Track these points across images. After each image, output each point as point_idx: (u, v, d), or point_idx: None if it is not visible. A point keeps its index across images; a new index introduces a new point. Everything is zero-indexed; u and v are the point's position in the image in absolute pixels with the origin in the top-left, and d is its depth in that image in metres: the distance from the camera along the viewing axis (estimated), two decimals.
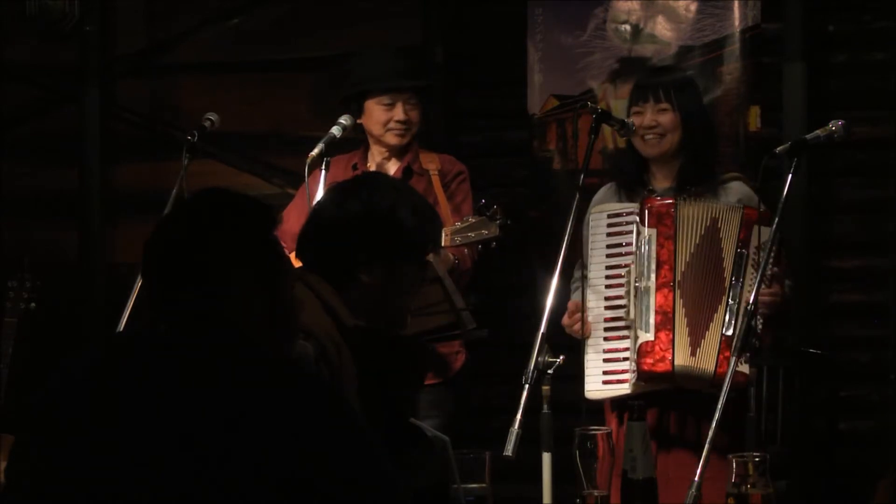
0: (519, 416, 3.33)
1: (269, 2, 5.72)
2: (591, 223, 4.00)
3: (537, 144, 5.42)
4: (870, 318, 5.11)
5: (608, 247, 3.97)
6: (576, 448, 3.02)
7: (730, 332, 3.76)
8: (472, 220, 4.08)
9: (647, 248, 3.86)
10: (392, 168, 4.49)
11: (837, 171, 5.15)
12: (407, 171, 4.47)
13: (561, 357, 3.42)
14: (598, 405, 4.02)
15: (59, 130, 5.85)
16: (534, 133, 5.42)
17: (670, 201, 3.88)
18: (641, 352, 3.80)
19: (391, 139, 4.46)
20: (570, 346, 3.76)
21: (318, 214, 2.90)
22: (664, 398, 3.86)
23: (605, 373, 3.91)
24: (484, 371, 5.10)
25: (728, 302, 3.80)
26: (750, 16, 5.14)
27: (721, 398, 3.30)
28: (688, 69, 4.97)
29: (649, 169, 4.06)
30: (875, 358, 5.09)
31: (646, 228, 3.87)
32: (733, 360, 3.38)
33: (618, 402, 3.94)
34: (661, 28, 5.27)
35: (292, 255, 3.65)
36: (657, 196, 3.97)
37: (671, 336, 3.79)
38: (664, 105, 3.98)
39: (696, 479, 3.21)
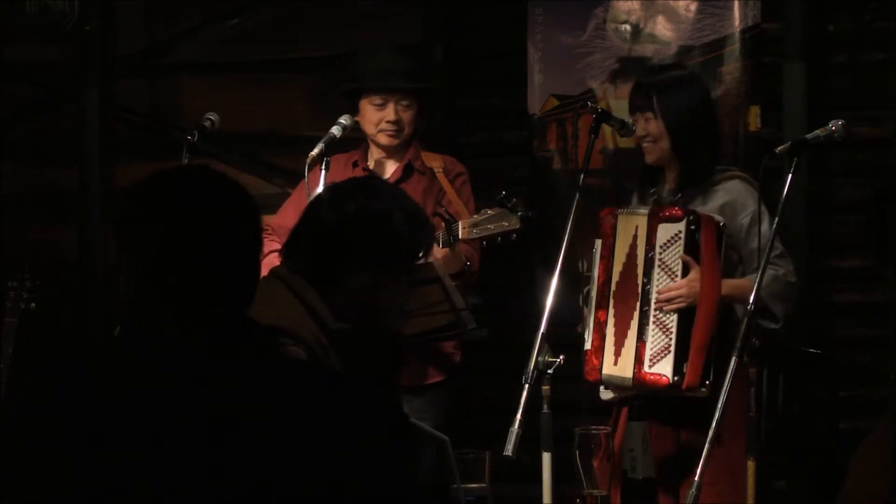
0: (519, 416, 3.34)
1: (269, 2, 5.71)
2: None
3: (537, 144, 5.41)
4: (870, 318, 5.11)
5: None
6: (576, 448, 3.02)
7: (645, 339, 3.78)
8: (490, 212, 4.06)
9: (595, 258, 3.94)
10: (392, 166, 4.48)
11: (837, 170, 5.14)
12: (407, 168, 4.45)
13: (561, 357, 3.43)
14: (600, 406, 4.04)
15: (59, 130, 5.84)
16: (534, 133, 5.41)
17: (614, 213, 3.95)
18: (584, 360, 3.93)
19: (382, 139, 4.43)
20: (571, 346, 3.76)
21: (312, 214, 2.88)
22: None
23: None
24: (484, 371, 5.10)
25: (640, 307, 3.83)
26: (750, 16, 5.14)
27: (721, 398, 3.30)
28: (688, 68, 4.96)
29: (664, 173, 4.06)
30: (875, 358, 5.09)
31: (596, 240, 3.98)
32: (734, 359, 3.38)
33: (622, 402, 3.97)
34: (661, 28, 5.26)
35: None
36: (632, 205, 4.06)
37: (602, 345, 3.89)
38: (648, 114, 3.98)
39: (696, 479, 3.21)
